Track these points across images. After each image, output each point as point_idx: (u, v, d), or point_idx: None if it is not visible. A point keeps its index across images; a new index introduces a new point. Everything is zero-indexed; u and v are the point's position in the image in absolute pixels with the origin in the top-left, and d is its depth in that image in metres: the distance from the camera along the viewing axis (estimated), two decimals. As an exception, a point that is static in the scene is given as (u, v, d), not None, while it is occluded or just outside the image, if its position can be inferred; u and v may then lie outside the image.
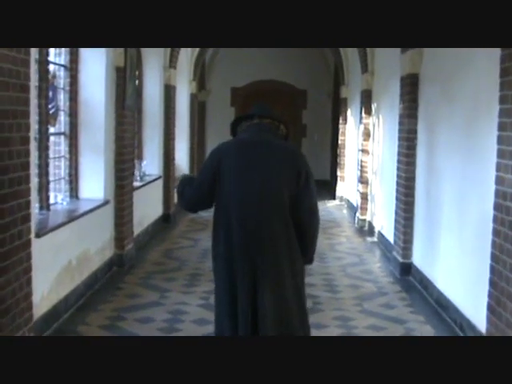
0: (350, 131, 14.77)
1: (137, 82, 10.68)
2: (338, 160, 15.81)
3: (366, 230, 11.83)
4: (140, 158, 11.27)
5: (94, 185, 7.75)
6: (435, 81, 7.41)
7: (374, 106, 11.56)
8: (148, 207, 10.65)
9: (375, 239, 10.87)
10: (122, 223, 8.31)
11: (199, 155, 17.90)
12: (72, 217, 6.87)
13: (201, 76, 17.97)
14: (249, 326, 4.12)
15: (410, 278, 8.19)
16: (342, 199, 15.56)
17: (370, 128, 11.77)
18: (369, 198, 11.85)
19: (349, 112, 15.10)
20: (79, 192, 7.73)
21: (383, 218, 10.41)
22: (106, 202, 7.80)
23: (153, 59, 11.25)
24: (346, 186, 15.27)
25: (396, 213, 8.66)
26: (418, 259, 8.05)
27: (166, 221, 11.92)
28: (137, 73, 10.55)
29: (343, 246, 10.35)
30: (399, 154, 8.56)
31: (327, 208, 14.85)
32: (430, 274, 7.47)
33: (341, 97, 15.70)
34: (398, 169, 8.58)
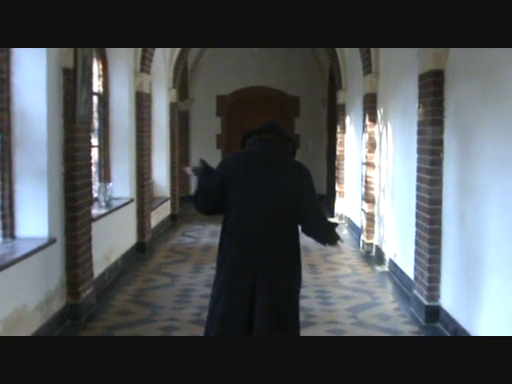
0: (350, 141, 13.12)
1: (100, 87, 9.04)
2: (336, 173, 14.16)
3: (373, 256, 10.17)
4: (107, 179, 9.58)
5: (35, 219, 6.06)
6: (471, 77, 5.77)
7: (380, 112, 9.92)
8: (117, 237, 8.97)
9: (386, 268, 9.21)
10: (76, 264, 6.62)
11: (182, 171, 16.21)
12: (4, 263, 5.21)
13: (183, 83, 16.39)
14: (242, 328, 4.32)
15: (438, 324, 6.54)
16: (342, 217, 13.89)
17: (376, 138, 10.12)
18: (376, 219, 10.19)
19: (348, 119, 13.46)
20: (15, 229, 6.05)
21: (396, 244, 8.75)
22: (51, 241, 6.11)
23: (120, 62, 9.58)
24: (347, 203, 13.61)
25: (417, 242, 7.00)
26: (448, 303, 6.40)
27: (140, 250, 10.23)
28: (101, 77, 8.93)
29: (349, 280, 8.68)
30: (419, 170, 6.92)
31: (326, 228, 13.16)
32: (467, 324, 5.83)
33: (338, 103, 14.05)
34: (419, 188, 6.93)
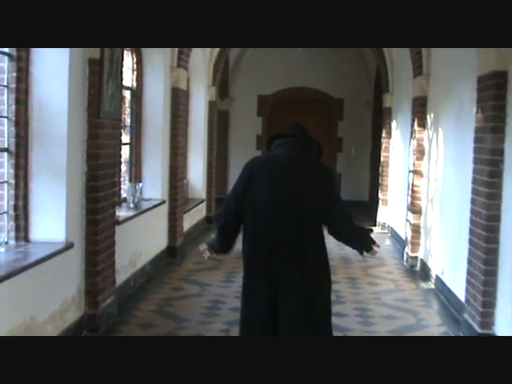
0: (396, 147, 12.45)
1: (133, 82, 8.54)
2: (380, 180, 13.48)
3: (417, 270, 9.50)
4: (138, 179, 9.07)
5: (52, 221, 5.55)
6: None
7: (430, 117, 9.25)
8: (146, 241, 8.46)
9: (432, 286, 8.55)
10: (96, 272, 6.10)
11: (220, 172, 15.78)
12: (13, 269, 4.71)
13: (223, 82, 15.89)
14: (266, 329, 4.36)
15: (490, 354, 5.88)
16: (384, 226, 13.22)
17: (425, 144, 9.45)
18: (422, 231, 9.52)
19: (394, 124, 12.78)
20: (30, 232, 5.54)
21: (444, 260, 8.08)
22: (68, 246, 5.60)
23: (155, 55, 9.06)
24: (390, 212, 12.93)
25: (470, 262, 6.34)
26: (504, 331, 5.74)
27: (171, 255, 9.70)
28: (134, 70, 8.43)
29: (391, 297, 8.03)
30: (475, 181, 6.26)
31: (367, 237, 12.50)
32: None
33: (384, 106, 13.38)
34: (474, 202, 6.27)
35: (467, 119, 7.15)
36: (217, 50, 12.78)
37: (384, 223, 13.24)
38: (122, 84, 6.85)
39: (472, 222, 6.32)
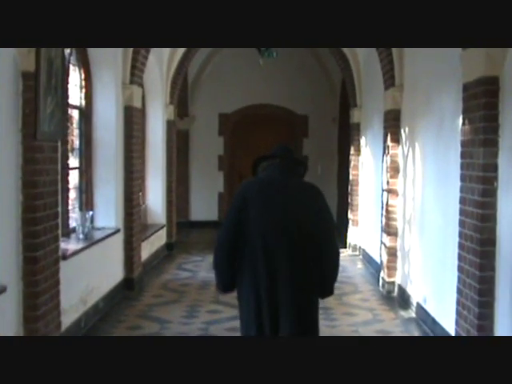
0: (366, 164, 11.80)
1: (82, 100, 7.77)
2: (350, 199, 12.82)
3: (395, 297, 8.81)
4: (89, 206, 8.27)
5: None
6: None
7: (404, 132, 8.60)
8: (98, 274, 7.65)
9: (413, 314, 7.85)
10: (36, 317, 5.23)
11: (181, 194, 15.01)
12: None
13: (182, 100, 15.18)
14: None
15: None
16: (355, 248, 12.54)
17: (400, 161, 8.79)
18: (399, 254, 8.84)
19: (363, 140, 12.15)
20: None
21: (426, 287, 7.40)
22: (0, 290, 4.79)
23: (106, 71, 8.28)
24: (361, 233, 12.26)
25: (460, 291, 5.66)
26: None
27: (128, 287, 8.87)
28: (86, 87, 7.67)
29: (370, 328, 7.33)
30: (464, 201, 5.59)
31: (338, 260, 11.80)
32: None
33: (351, 122, 12.74)
34: (463, 224, 5.59)
35: (449, 133, 6.51)
36: (174, 66, 12.07)
37: (355, 245, 12.57)
38: (64, 101, 6.07)
39: (461, 246, 5.64)
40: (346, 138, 13.61)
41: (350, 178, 12.68)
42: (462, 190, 5.65)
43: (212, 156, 16.36)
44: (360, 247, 12.29)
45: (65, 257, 6.26)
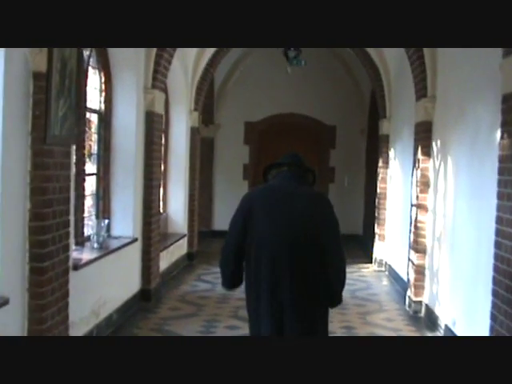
0: (395, 178, 11.41)
1: (101, 104, 7.51)
2: (377, 213, 12.42)
3: (422, 317, 8.41)
4: (106, 214, 7.99)
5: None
6: None
7: (436, 145, 8.22)
8: (113, 286, 7.37)
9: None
10: (41, 331, 4.97)
11: (204, 203, 14.75)
12: None
13: (208, 107, 14.91)
14: None
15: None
16: (381, 264, 12.14)
17: (431, 175, 8.40)
18: (427, 272, 8.45)
19: (392, 153, 11.77)
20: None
21: (456, 309, 7.01)
22: (3, 303, 4.49)
23: (127, 74, 8.01)
24: (388, 248, 11.86)
25: (494, 317, 5.27)
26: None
27: (144, 299, 8.57)
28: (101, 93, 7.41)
29: (396, 351, 6.95)
30: (500, 221, 5.21)
31: (362, 275, 11.44)
32: None
33: (380, 133, 12.37)
34: (499, 246, 5.21)
35: (485, 146, 6.14)
36: (199, 71, 11.77)
37: (381, 260, 12.17)
38: (80, 103, 5.78)
39: (496, 269, 5.26)
40: (375, 150, 13.25)
41: (378, 191, 12.30)
42: (498, 209, 5.27)
43: (237, 165, 16.05)
44: (386, 263, 11.90)
45: (76, 267, 5.98)
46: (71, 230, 5.57)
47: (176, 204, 11.73)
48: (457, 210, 7.14)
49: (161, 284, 9.22)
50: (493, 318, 5.30)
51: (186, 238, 11.98)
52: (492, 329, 5.30)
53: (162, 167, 11.19)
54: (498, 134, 5.58)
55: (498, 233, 5.27)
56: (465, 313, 6.67)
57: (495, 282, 5.27)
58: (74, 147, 5.67)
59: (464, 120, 6.98)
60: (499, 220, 5.24)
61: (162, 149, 11.05)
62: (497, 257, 5.27)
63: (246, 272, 4.37)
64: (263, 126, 15.99)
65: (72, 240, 5.93)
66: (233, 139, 15.95)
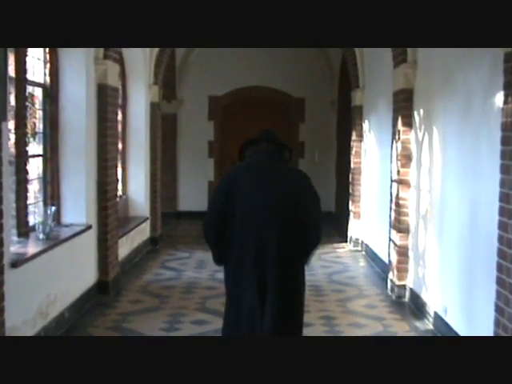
0: (370, 151, 10.70)
1: (46, 77, 6.68)
2: (351, 190, 11.72)
3: (406, 303, 7.74)
4: (55, 200, 7.16)
5: None
6: None
7: (418, 114, 7.50)
8: (63, 280, 6.55)
9: (429, 326, 6.79)
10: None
11: (168, 183, 13.99)
12: None
13: (170, 82, 14.09)
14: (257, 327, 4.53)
15: None
16: (357, 243, 11.46)
17: (413, 148, 7.69)
18: (411, 254, 7.76)
19: (366, 125, 11.04)
20: None
21: (447, 294, 6.32)
22: None
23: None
24: (364, 227, 11.17)
25: (499, 309, 4.59)
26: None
27: (101, 291, 7.77)
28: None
29: (382, 344, 6.26)
30: (504, 198, 4.52)
31: (338, 256, 10.75)
32: None
33: (353, 105, 11.64)
34: (503, 227, 4.52)
35: (479, 114, 5.43)
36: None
37: (357, 239, 11.48)
38: (5, 73, 4.90)
39: (501, 254, 4.56)
40: (347, 122, 12.52)
41: (352, 166, 11.58)
42: (502, 185, 4.57)
43: (201, 142, 15.24)
44: (362, 242, 11.21)
45: (15, 264, 5.16)
46: (5, 221, 4.73)
47: (136, 185, 10.90)
48: (446, 186, 6.43)
49: (120, 274, 8.42)
50: (497, 310, 4.62)
51: (148, 222, 11.17)
52: (497, 322, 4.62)
53: (120, 146, 10.39)
54: (496, 99, 4.89)
55: (502, 212, 4.58)
56: (458, 300, 5.98)
57: (500, 268, 4.58)
58: (5, 124, 4.82)
59: (452, 86, 6.25)
60: (504, 197, 4.55)
61: (120, 126, 10.26)
62: (501, 239, 4.58)
63: (229, 246, 4.57)
64: (228, 101, 15.19)
65: (9, 232, 5.13)
66: (196, 115, 15.15)
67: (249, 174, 4.60)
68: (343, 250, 11.39)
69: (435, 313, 6.65)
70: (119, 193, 10.31)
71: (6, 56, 4.66)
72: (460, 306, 5.92)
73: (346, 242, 11.83)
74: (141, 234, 10.61)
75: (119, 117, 10.18)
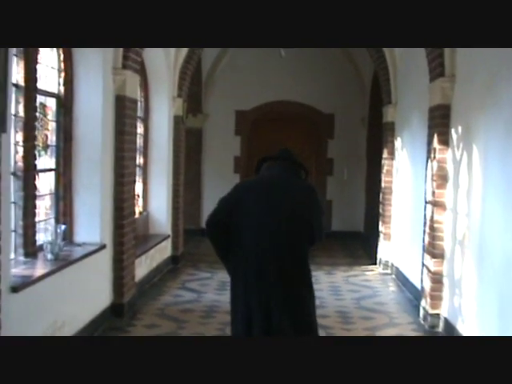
0: (402, 170, 10.19)
1: (60, 87, 6.32)
2: (381, 210, 11.21)
3: (440, 333, 7.20)
4: (67, 218, 6.76)
5: None
6: None
7: (456, 132, 6.99)
8: (73, 304, 6.14)
9: (466, 360, 6.25)
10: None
11: (192, 200, 13.61)
12: None
13: (196, 96, 13.76)
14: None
15: None
16: (387, 266, 10.93)
17: (449, 167, 7.18)
18: (445, 281, 7.23)
19: (398, 142, 10.54)
20: None
21: (485, 327, 5.80)
22: None
23: (91, 52, 6.75)
24: (394, 249, 10.64)
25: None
26: None
27: (116, 314, 7.35)
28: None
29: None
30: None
31: (367, 279, 10.22)
32: None
33: (384, 121, 11.15)
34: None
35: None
36: (183, 53, 10.53)
37: (386, 262, 10.95)
38: (6, 79, 4.50)
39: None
40: (377, 139, 12.06)
41: (383, 185, 11.08)
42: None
43: (227, 157, 14.83)
44: (393, 265, 10.68)
45: (16, 289, 4.75)
46: (3, 242, 4.32)
47: (158, 202, 10.49)
48: (487, 210, 5.91)
49: (137, 296, 7.99)
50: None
51: (169, 240, 10.76)
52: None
53: (142, 161, 10.03)
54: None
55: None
56: (498, 334, 5.46)
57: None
58: (5, 136, 4.41)
59: (495, 99, 5.75)
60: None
61: (141, 140, 9.89)
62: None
63: (233, 253, 4.65)
64: (255, 115, 14.76)
65: (8, 255, 4.72)
66: (223, 130, 14.75)
67: (255, 188, 4.72)
68: (372, 272, 10.86)
69: (473, 347, 6.11)
70: (140, 209, 9.93)
71: (7, 61, 4.26)
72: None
73: (375, 264, 11.30)
74: (161, 252, 10.19)
75: (141, 130, 9.84)
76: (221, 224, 4.63)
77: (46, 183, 6.49)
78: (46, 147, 6.48)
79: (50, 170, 6.58)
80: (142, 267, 8.78)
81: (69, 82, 6.73)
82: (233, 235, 4.61)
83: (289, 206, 4.56)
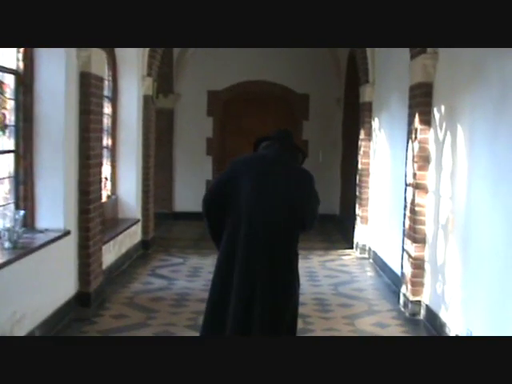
0: (380, 151, 9.88)
1: (19, 63, 5.87)
2: (358, 192, 10.91)
3: (421, 321, 6.93)
4: (29, 202, 6.34)
5: None
6: None
7: (439, 111, 6.67)
8: (34, 295, 5.74)
9: (450, 350, 5.96)
10: None
11: (163, 183, 13.19)
12: None
13: (167, 75, 13.31)
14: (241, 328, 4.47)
15: None
16: (364, 250, 10.65)
17: (431, 148, 6.87)
18: (427, 267, 6.94)
19: (376, 123, 10.22)
20: None
21: (472, 316, 5.51)
22: None
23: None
24: (372, 233, 10.36)
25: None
26: None
27: (82, 304, 6.95)
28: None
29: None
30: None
31: (344, 264, 9.93)
32: None
33: (361, 101, 10.83)
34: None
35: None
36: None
37: (364, 245, 10.67)
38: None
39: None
40: (353, 120, 11.75)
41: (360, 167, 10.78)
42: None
43: (200, 139, 14.45)
44: (370, 249, 10.39)
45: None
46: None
47: (127, 185, 10.07)
48: (473, 193, 5.60)
49: (104, 284, 7.59)
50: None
51: (139, 224, 10.37)
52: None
53: (110, 142, 9.60)
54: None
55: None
56: (487, 325, 5.17)
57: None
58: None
59: (482, 77, 5.42)
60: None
61: (110, 120, 9.47)
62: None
63: (226, 231, 4.63)
64: (228, 96, 14.40)
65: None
66: (195, 110, 14.40)
67: (253, 165, 4.70)
68: (349, 257, 10.57)
69: (457, 336, 5.83)
70: (108, 193, 9.53)
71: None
72: (489, 330, 5.11)
73: (352, 248, 11.01)
74: (131, 237, 9.79)
75: (108, 110, 9.42)
76: (218, 201, 4.67)
77: (4, 166, 6.06)
78: (3, 127, 6.03)
79: (9, 151, 6.15)
80: (111, 253, 8.40)
81: (28, 57, 6.26)
82: (229, 212, 4.64)
83: (285, 193, 4.56)
